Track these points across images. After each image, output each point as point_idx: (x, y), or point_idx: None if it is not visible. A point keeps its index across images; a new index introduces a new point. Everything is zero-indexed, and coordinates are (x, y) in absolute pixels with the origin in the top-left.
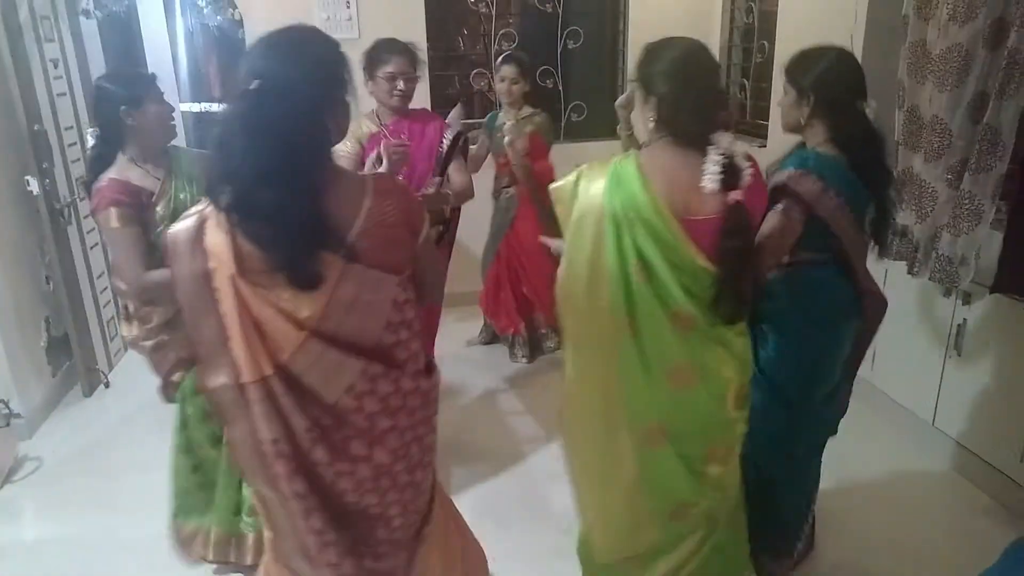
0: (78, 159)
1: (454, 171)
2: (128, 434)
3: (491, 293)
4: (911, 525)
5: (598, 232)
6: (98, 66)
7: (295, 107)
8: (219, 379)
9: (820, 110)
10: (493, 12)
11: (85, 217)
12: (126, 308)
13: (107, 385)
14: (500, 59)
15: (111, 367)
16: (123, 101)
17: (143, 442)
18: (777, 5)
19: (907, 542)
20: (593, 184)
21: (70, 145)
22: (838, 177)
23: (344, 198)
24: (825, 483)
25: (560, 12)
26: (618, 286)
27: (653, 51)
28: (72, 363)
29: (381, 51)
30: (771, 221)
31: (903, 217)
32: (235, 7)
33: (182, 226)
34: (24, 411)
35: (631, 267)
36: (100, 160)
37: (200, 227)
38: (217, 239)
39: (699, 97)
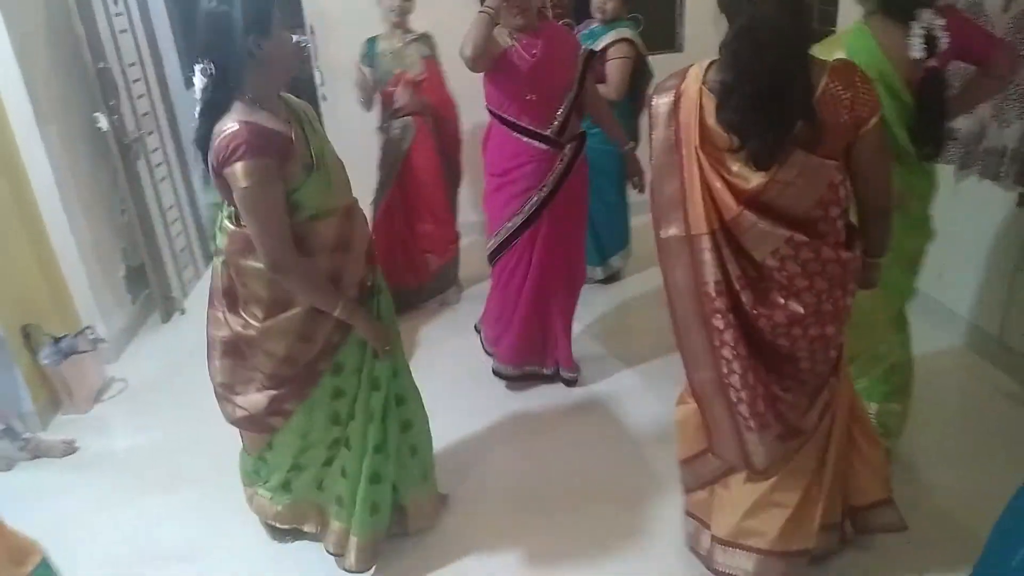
0: (143, 95)
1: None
2: (204, 357)
3: (384, 241)
4: (976, 441)
5: None
6: (156, 1)
7: (807, 9)
8: (671, 231)
9: None
10: None
11: (153, 151)
12: (230, 294)
13: (183, 312)
14: None
15: (185, 294)
16: (250, 28)
17: None
18: None
19: (973, 460)
20: (834, 55)
21: (134, 81)
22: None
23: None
24: None
25: None
26: None
27: None
28: (149, 292)
29: None
30: None
31: None
32: None
33: (663, 100)
34: (108, 336)
35: None
36: (215, 107)
37: (676, 102)
38: (688, 115)
39: None
